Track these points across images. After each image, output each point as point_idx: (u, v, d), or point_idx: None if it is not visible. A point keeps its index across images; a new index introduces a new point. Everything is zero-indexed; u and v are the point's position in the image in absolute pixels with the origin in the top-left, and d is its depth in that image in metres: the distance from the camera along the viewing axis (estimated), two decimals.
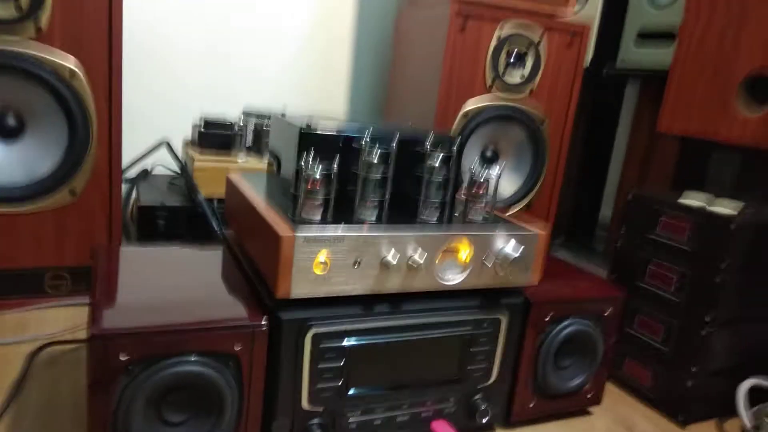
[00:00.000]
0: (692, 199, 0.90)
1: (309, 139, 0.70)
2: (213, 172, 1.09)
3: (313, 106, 1.50)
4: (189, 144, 1.24)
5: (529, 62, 1.23)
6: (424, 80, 1.25)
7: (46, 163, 0.96)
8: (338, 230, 0.61)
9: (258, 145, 1.22)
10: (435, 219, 0.71)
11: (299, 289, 0.60)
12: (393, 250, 0.63)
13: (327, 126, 0.72)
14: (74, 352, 0.86)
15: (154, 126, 1.34)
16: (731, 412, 0.83)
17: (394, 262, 0.63)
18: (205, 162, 1.10)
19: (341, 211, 0.67)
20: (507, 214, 1.27)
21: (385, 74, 1.56)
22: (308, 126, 0.70)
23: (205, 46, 1.38)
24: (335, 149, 0.69)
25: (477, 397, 0.73)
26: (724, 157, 1.19)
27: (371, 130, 0.71)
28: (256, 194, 0.73)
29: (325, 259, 0.60)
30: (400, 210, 0.71)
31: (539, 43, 1.22)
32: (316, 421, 0.63)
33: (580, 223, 1.58)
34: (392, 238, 0.63)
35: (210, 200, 1.06)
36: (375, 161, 0.67)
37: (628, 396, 0.91)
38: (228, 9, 1.38)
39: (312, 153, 0.67)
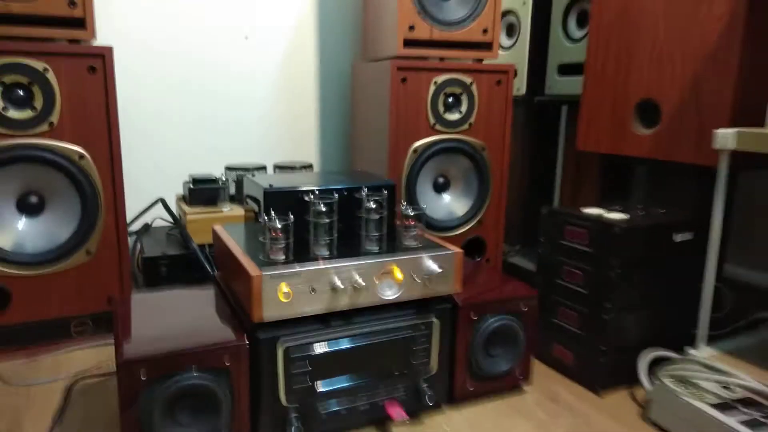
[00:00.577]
0: (593, 209, 1.10)
1: (271, 197, 0.90)
2: (203, 223, 1.30)
3: (287, 153, 1.72)
4: (181, 199, 1.44)
5: (465, 102, 1.45)
6: (377, 124, 1.46)
7: (64, 231, 1.17)
8: (296, 267, 0.81)
9: (240, 195, 1.43)
10: (376, 249, 0.92)
11: (269, 313, 0.80)
12: (340, 278, 0.83)
13: (285, 184, 0.92)
14: (102, 383, 1.05)
15: (150, 185, 1.55)
16: (638, 382, 1.02)
17: (342, 287, 0.83)
18: (195, 215, 1.30)
19: (300, 250, 0.87)
20: (460, 231, 1.47)
21: (347, 120, 1.78)
22: (270, 186, 0.91)
23: (189, 113, 1.59)
24: (292, 202, 0.90)
25: (422, 384, 0.92)
26: (640, 169, 1.39)
27: (319, 185, 0.91)
28: (234, 243, 0.93)
29: (287, 289, 0.80)
30: (349, 243, 0.91)
31: (471, 85, 1.44)
32: (293, 414, 0.83)
33: (533, 231, 1.78)
34: (338, 268, 0.83)
35: (202, 246, 1.27)
36: (322, 210, 0.88)
37: (557, 375, 1.11)
38: (206, 80, 1.59)
39: (274, 207, 0.87)
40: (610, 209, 1.11)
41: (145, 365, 0.74)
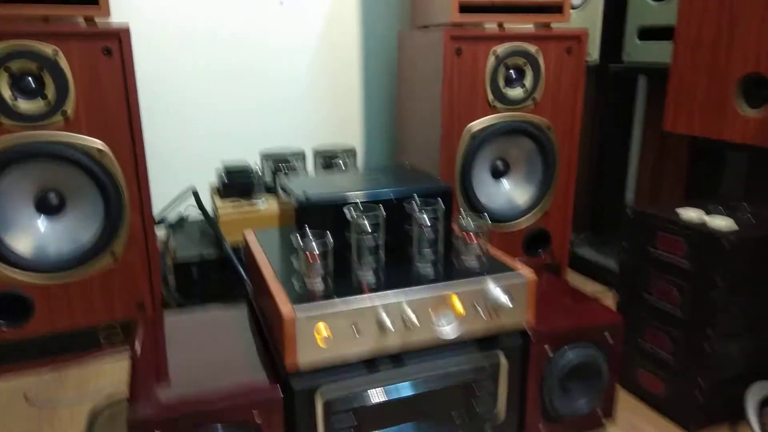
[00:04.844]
0: (691, 211, 0.92)
1: (307, 211, 0.76)
2: (237, 222, 1.18)
3: (329, 134, 1.57)
4: (215, 190, 1.32)
5: (529, 75, 1.25)
6: (428, 102, 1.29)
7: (87, 232, 1.07)
8: (336, 303, 0.68)
9: (276, 184, 1.30)
10: (430, 272, 0.77)
11: (305, 359, 0.67)
12: (388, 315, 0.69)
13: (323, 191, 0.78)
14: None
15: (183, 171, 1.44)
16: (742, 418, 0.86)
17: (391, 327, 0.69)
18: (229, 213, 1.18)
19: (341, 272, 0.74)
20: (522, 223, 1.30)
21: (393, 95, 1.60)
22: (306, 198, 0.77)
23: (220, 94, 1.45)
24: (332, 214, 0.75)
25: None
26: (735, 156, 1.18)
27: (363, 192, 0.77)
28: (266, 261, 0.80)
29: (326, 333, 0.67)
30: (398, 262, 0.77)
31: (536, 55, 1.24)
32: None
33: (603, 217, 1.59)
34: (386, 304, 0.69)
35: (236, 249, 1.15)
36: (367, 229, 0.73)
37: (643, 405, 0.95)
38: (237, 54, 1.44)
39: (310, 221, 0.74)
40: (711, 211, 0.92)
41: (161, 428, 0.62)
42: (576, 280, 1.47)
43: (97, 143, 1.03)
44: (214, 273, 1.15)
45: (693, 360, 0.87)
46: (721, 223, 0.87)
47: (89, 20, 1.01)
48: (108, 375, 1.06)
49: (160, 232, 1.29)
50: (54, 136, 1.00)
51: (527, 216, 1.34)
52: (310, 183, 0.85)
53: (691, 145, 1.27)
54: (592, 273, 1.48)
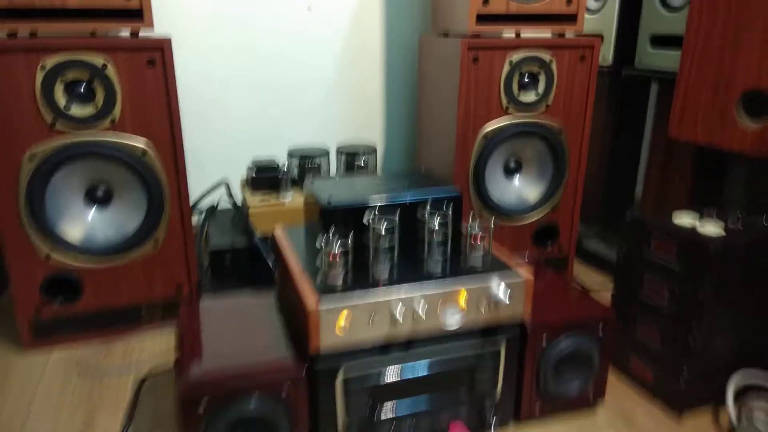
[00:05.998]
0: (685, 216, 0.99)
1: (330, 215, 0.86)
2: (265, 215, 1.28)
3: (351, 135, 1.66)
4: (245, 184, 1.43)
5: (542, 81, 1.32)
6: (445, 105, 1.37)
7: (132, 222, 1.18)
8: (354, 298, 0.78)
9: (302, 180, 1.40)
10: (439, 269, 0.86)
11: (326, 345, 0.77)
12: (399, 307, 0.79)
13: (344, 196, 0.87)
14: (169, 378, 1.08)
15: (217, 167, 1.55)
16: (723, 402, 0.95)
17: (400, 319, 0.79)
18: (258, 207, 1.29)
19: (359, 268, 0.83)
20: (532, 218, 1.39)
21: (413, 100, 1.68)
22: (329, 203, 0.86)
23: (251, 96, 1.55)
24: (352, 217, 0.85)
25: (487, 410, 0.88)
26: (737, 165, 1.24)
27: (380, 197, 0.86)
28: (294, 258, 0.90)
29: (344, 322, 0.77)
30: (411, 260, 0.87)
31: (551, 62, 1.31)
32: None
33: (613, 211, 1.66)
34: (398, 297, 0.79)
35: (265, 239, 1.25)
36: (382, 233, 0.83)
37: (634, 391, 1.04)
38: (267, 59, 1.54)
39: (333, 223, 0.83)
40: (705, 217, 0.99)
41: (204, 396, 0.73)
42: (583, 271, 1.55)
43: (140, 143, 1.13)
44: (244, 260, 1.26)
45: (679, 352, 0.95)
46: (710, 229, 0.94)
47: (134, 33, 1.11)
48: (149, 348, 1.18)
49: (195, 218, 1.40)
50: (103, 137, 1.11)
51: (537, 211, 1.42)
52: (333, 187, 0.94)
53: (697, 152, 1.33)
54: (599, 264, 1.56)
